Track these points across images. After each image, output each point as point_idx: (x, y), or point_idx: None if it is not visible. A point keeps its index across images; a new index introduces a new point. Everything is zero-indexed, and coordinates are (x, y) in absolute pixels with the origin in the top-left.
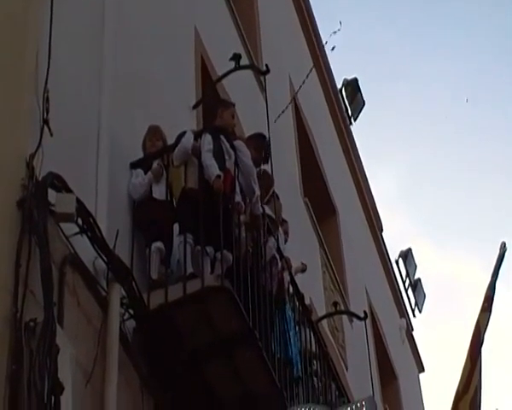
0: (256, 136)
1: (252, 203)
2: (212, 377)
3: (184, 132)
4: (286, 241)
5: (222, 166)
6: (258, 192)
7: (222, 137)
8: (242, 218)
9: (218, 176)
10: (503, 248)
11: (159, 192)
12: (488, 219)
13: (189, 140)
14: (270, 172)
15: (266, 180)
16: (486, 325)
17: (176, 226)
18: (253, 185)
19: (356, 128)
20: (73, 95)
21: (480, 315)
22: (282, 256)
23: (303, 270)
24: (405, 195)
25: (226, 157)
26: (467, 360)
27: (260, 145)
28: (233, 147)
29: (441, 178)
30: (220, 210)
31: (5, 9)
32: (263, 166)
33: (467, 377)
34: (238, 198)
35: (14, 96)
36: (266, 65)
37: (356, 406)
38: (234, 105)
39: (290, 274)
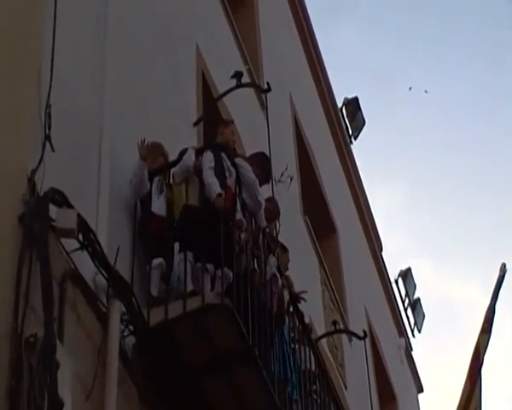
0: (257, 155)
1: (258, 216)
2: (210, 394)
3: (186, 149)
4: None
5: (223, 183)
6: (264, 203)
7: (223, 154)
8: (243, 236)
9: (220, 194)
10: (503, 269)
11: (158, 206)
12: (488, 239)
13: (190, 157)
14: (272, 195)
15: (272, 206)
16: (486, 347)
17: (176, 243)
18: (258, 197)
19: (356, 147)
20: (75, 111)
21: (479, 337)
22: (282, 274)
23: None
24: (405, 214)
25: (227, 175)
26: (466, 382)
27: (262, 164)
28: (234, 164)
29: (441, 197)
30: (221, 228)
31: (7, 25)
32: (265, 187)
33: (466, 398)
34: (239, 215)
35: (17, 111)
36: (268, 83)
37: None
38: (233, 122)
39: (290, 292)
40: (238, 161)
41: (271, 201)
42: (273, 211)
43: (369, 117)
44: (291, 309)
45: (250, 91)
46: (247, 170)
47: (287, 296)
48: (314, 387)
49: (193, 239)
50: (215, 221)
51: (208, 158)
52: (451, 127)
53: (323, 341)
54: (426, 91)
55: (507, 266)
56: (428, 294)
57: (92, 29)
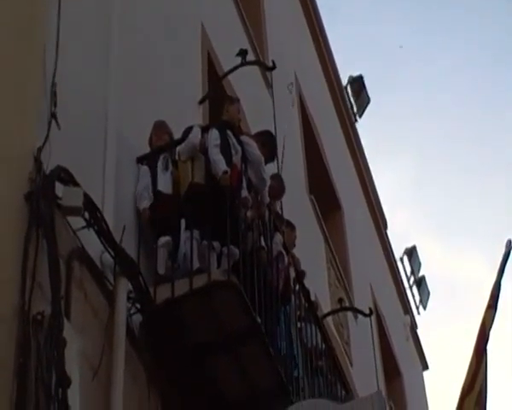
0: (263, 133)
1: (262, 193)
2: (217, 372)
3: (191, 127)
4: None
5: (229, 161)
6: (269, 181)
7: (229, 132)
8: (249, 213)
9: (225, 171)
10: (509, 245)
11: (163, 184)
12: (494, 216)
13: (196, 135)
14: (280, 174)
15: (278, 183)
16: (492, 323)
17: (182, 221)
18: (263, 174)
19: (361, 125)
20: (81, 89)
21: (485, 313)
22: (288, 252)
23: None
24: (410, 192)
25: (233, 152)
26: (472, 358)
27: (267, 142)
28: (240, 142)
29: (447, 174)
30: (227, 205)
31: (12, 4)
32: (270, 165)
33: (472, 374)
34: (245, 193)
35: (22, 90)
36: (273, 61)
37: (365, 401)
38: (239, 100)
39: (296, 270)
40: (244, 138)
41: (277, 178)
42: (278, 188)
43: (373, 95)
44: (297, 287)
45: (255, 70)
46: (253, 147)
47: (293, 274)
48: (320, 364)
49: (199, 217)
50: (221, 199)
51: (214, 136)
52: (458, 104)
53: (329, 319)
54: (401, 46)
55: None
56: (434, 271)
57: (97, 8)
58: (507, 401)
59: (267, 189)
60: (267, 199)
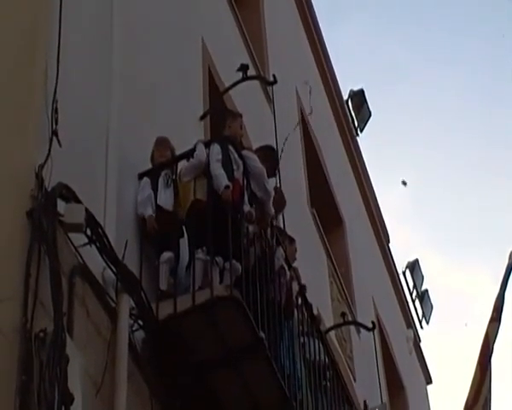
0: (264, 147)
1: (267, 205)
2: (220, 388)
3: (195, 146)
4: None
5: (230, 176)
6: (273, 193)
7: (230, 147)
8: (251, 228)
9: (227, 186)
10: None
11: (164, 200)
12: (497, 228)
13: (202, 152)
14: (279, 186)
15: (278, 196)
16: (496, 336)
17: (183, 239)
18: (267, 186)
19: (362, 139)
20: (82, 106)
21: (489, 326)
22: (290, 266)
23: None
24: (412, 205)
25: (234, 167)
26: (476, 371)
27: (268, 157)
28: (241, 157)
29: (449, 188)
30: (229, 220)
31: (14, 21)
32: (272, 180)
33: (476, 387)
34: (247, 208)
35: (24, 106)
36: (274, 75)
37: None
38: (241, 116)
39: (299, 284)
40: (245, 152)
41: (277, 191)
42: (279, 201)
43: (375, 109)
44: (299, 301)
45: (256, 85)
46: (255, 160)
47: (295, 288)
48: (324, 382)
49: (201, 233)
50: (223, 214)
51: (215, 151)
52: (461, 116)
53: (332, 333)
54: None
55: None
56: (437, 285)
57: (98, 24)
58: None
59: (272, 200)
60: (272, 211)
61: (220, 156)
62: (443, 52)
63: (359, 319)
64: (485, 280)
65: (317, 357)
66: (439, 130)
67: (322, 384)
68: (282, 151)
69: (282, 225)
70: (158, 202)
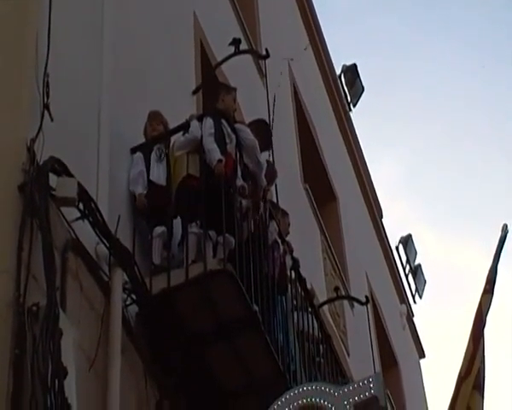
0: (257, 121)
1: (259, 177)
2: (214, 361)
3: (187, 120)
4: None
5: (223, 149)
6: (265, 165)
7: (223, 121)
8: (244, 202)
9: (220, 160)
10: (505, 230)
11: (156, 174)
12: (491, 203)
13: (197, 127)
14: (271, 160)
15: (269, 170)
16: (489, 308)
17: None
18: (259, 158)
19: (356, 114)
20: (74, 80)
21: (481, 298)
22: (283, 240)
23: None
24: (406, 180)
25: (227, 141)
26: (469, 343)
27: (261, 130)
28: (234, 130)
29: (443, 162)
30: (222, 194)
31: None
32: (265, 154)
33: (469, 359)
34: (240, 182)
35: (15, 81)
36: (266, 49)
37: (363, 382)
38: (235, 90)
39: (292, 258)
40: (238, 126)
41: (268, 164)
42: (270, 174)
43: (368, 84)
44: (293, 276)
45: (248, 59)
46: (247, 133)
47: (289, 263)
48: (318, 358)
49: (193, 208)
50: (216, 188)
51: (208, 125)
52: (458, 92)
53: (325, 308)
54: None
55: (508, 227)
56: (430, 260)
57: None
58: (505, 383)
59: (264, 172)
60: (264, 182)
61: (213, 130)
62: (438, 26)
63: (353, 294)
64: (478, 253)
65: (311, 331)
66: (434, 105)
67: (315, 358)
68: (272, 121)
69: (274, 200)
70: (150, 177)
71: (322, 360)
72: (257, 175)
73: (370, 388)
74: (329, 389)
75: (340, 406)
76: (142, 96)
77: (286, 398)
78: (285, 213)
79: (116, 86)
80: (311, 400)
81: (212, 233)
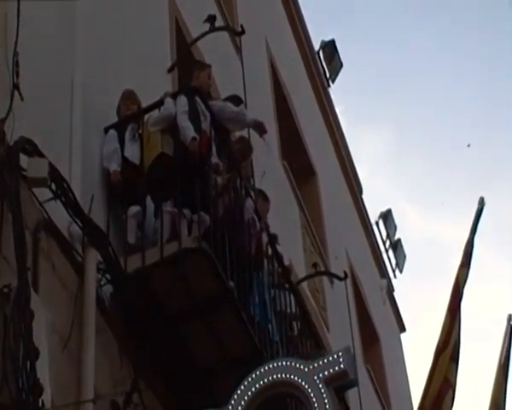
0: (231, 97)
1: (244, 121)
2: (190, 340)
3: (161, 98)
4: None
5: (197, 127)
6: (244, 111)
7: (197, 98)
8: (220, 179)
9: (194, 138)
10: (481, 203)
11: (131, 152)
12: (470, 177)
13: (171, 104)
14: (247, 136)
15: (243, 145)
16: (465, 281)
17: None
18: (233, 109)
19: (334, 91)
20: (45, 58)
21: (458, 271)
22: (260, 218)
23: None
24: (386, 156)
25: (202, 118)
26: (446, 316)
27: (236, 106)
28: (208, 108)
29: (423, 139)
30: (196, 171)
31: None
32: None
33: (447, 332)
34: (215, 159)
35: None
36: (241, 25)
37: (333, 357)
38: (210, 66)
39: (269, 235)
40: (213, 103)
41: (243, 140)
42: (245, 149)
43: (347, 60)
44: (270, 252)
45: (225, 35)
46: (223, 106)
47: (265, 239)
48: (290, 334)
49: (167, 186)
50: (190, 166)
51: (182, 102)
52: (437, 65)
53: (305, 284)
54: None
55: (485, 200)
56: (410, 234)
57: None
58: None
59: (247, 116)
60: (251, 118)
61: (187, 108)
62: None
63: (332, 270)
64: (458, 228)
65: (288, 309)
66: (414, 78)
67: (293, 335)
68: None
69: (252, 178)
70: (125, 153)
71: (300, 336)
72: (241, 123)
73: (340, 362)
74: (300, 365)
75: (310, 380)
76: (116, 75)
77: (256, 374)
78: (266, 198)
79: (89, 64)
80: (281, 376)
81: (186, 211)
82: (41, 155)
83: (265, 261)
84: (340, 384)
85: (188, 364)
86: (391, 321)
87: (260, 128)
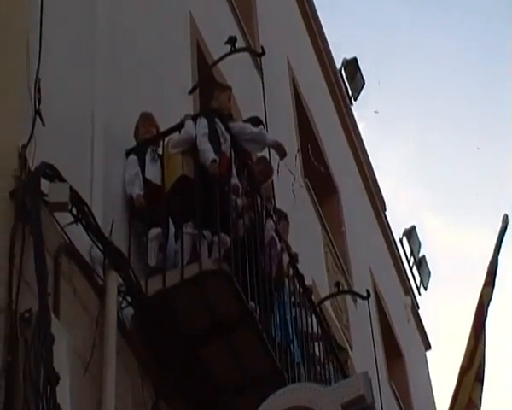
0: (251, 119)
1: (263, 142)
2: (211, 361)
3: (181, 121)
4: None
5: (217, 149)
6: (263, 131)
7: (217, 120)
8: (240, 201)
9: (214, 160)
10: (505, 220)
11: (153, 174)
12: (496, 191)
13: (191, 126)
14: (267, 157)
15: (264, 166)
16: (490, 300)
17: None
18: (254, 130)
19: (357, 108)
20: (66, 83)
21: (483, 290)
22: (280, 238)
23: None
24: (410, 171)
25: (221, 140)
26: (471, 335)
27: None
28: (228, 129)
29: (447, 152)
30: (216, 193)
31: None
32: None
33: (471, 351)
34: (235, 181)
35: (6, 86)
36: (262, 46)
37: (351, 381)
38: (231, 89)
39: (290, 255)
40: (233, 125)
41: (263, 160)
42: (265, 170)
43: (368, 77)
44: (291, 272)
45: (246, 56)
46: (243, 128)
47: (286, 259)
48: (311, 352)
49: (188, 208)
50: (210, 188)
51: (202, 124)
52: (460, 84)
53: (327, 303)
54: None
55: (509, 217)
56: (434, 251)
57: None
58: (506, 376)
59: (267, 137)
60: (271, 140)
61: (207, 130)
62: (437, 18)
63: (356, 288)
64: (483, 243)
65: (310, 328)
66: (434, 94)
67: (315, 355)
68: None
69: (272, 198)
70: (146, 175)
71: (322, 357)
72: (261, 142)
73: (358, 387)
74: (319, 389)
75: (327, 405)
76: (137, 97)
77: (276, 396)
78: (286, 218)
79: (111, 87)
80: (300, 398)
81: (207, 233)
82: (62, 179)
83: (286, 281)
84: (358, 409)
85: (209, 385)
86: (416, 339)
87: (280, 150)
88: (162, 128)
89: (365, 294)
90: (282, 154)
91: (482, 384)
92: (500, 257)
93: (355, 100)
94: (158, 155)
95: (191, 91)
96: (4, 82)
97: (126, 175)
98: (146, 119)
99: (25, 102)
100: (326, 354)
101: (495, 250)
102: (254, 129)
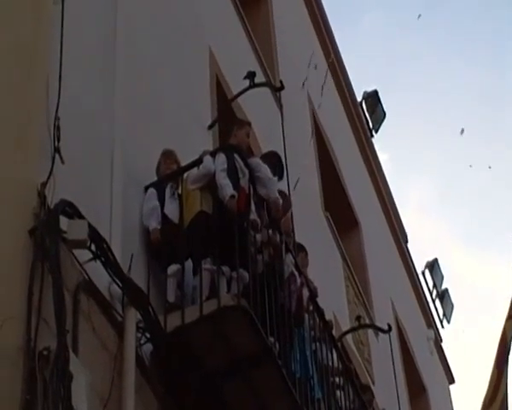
0: (269, 154)
1: (271, 190)
2: (231, 398)
3: (200, 156)
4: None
5: (236, 184)
6: (276, 180)
7: (236, 155)
8: (259, 236)
9: (233, 195)
10: None
11: (171, 210)
12: None
13: (210, 161)
14: (286, 191)
15: (284, 201)
16: None
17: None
18: (268, 174)
19: (377, 140)
20: (85, 120)
21: (505, 323)
22: (300, 273)
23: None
24: (431, 204)
25: (240, 175)
26: (493, 370)
27: (274, 164)
28: (247, 165)
29: (469, 185)
30: (235, 228)
31: (15, 36)
32: (281, 184)
33: (494, 387)
34: (253, 216)
35: (25, 124)
36: (281, 81)
37: None
38: (249, 124)
39: (310, 290)
40: (251, 161)
41: (282, 194)
42: (284, 204)
43: (389, 109)
44: (311, 307)
45: (266, 91)
46: (258, 165)
47: (306, 294)
48: (337, 385)
49: (206, 244)
50: (229, 223)
51: (221, 160)
52: (479, 114)
53: (349, 337)
54: None
55: None
56: (457, 283)
57: (101, 36)
58: None
59: (276, 187)
60: (275, 194)
61: (225, 166)
62: (458, 51)
63: (377, 322)
64: (507, 276)
65: (330, 363)
66: (455, 127)
67: (335, 391)
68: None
69: (291, 231)
70: (165, 210)
71: (341, 392)
72: (269, 190)
73: None
74: None
75: None
76: (156, 133)
77: None
78: (305, 252)
79: (130, 123)
80: None
81: (225, 269)
82: (81, 216)
83: (306, 316)
84: None
85: None
86: (439, 372)
87: (275, 207)
88: (183, 164)
89: (386, 327)
90: (276, 211)
91: None
92: None
93: (376, 132)
94: (177, 192)
95: (210, 126)
96: (24, 120)
97: (144, 207)
98: (168, 155)
99: (44, 141)
100: (347, 390)
101: None
102: (269, 174)
